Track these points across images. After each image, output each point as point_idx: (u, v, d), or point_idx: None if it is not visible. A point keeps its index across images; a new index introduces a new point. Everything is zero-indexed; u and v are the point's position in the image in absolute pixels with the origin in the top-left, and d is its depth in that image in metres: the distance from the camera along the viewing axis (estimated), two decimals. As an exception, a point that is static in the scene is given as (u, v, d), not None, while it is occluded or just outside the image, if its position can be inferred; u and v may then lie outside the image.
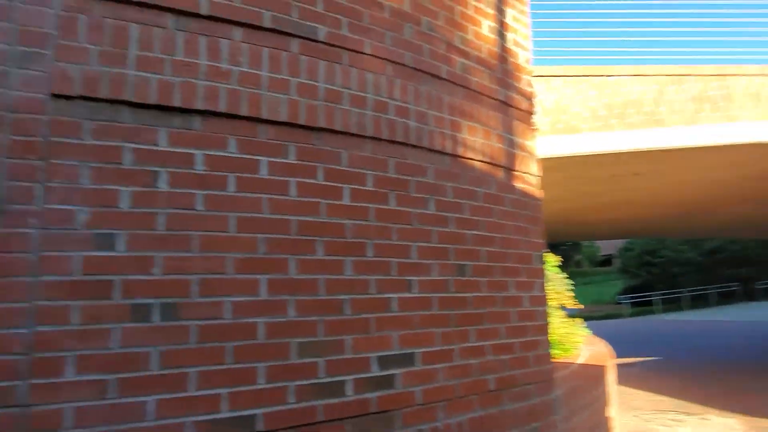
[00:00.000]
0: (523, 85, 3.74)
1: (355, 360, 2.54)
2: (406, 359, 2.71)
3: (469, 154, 3.24)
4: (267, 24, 2.57)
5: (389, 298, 2.72)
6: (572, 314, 6.92)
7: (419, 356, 2.76)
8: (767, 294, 34.73)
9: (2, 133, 1.98)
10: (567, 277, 6.85)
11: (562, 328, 5.93)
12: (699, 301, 34.36)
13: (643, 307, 34.10)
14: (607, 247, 50.30)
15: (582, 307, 7.30)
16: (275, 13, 2.59)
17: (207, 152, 2.35)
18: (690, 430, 7.50)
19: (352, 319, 2.57)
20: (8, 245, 1.95)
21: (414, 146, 2.98)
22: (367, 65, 2.86)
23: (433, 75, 3.15)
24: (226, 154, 2.39)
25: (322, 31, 2.73)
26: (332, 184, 2.65)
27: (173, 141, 2.29)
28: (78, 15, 2.17)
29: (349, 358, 2.53)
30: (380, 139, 2.85)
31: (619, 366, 8.57)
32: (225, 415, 2.20)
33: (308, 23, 2.69)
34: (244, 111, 2.45)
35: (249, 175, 2.43)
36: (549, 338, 3.60)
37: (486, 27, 3.54)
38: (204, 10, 2.42)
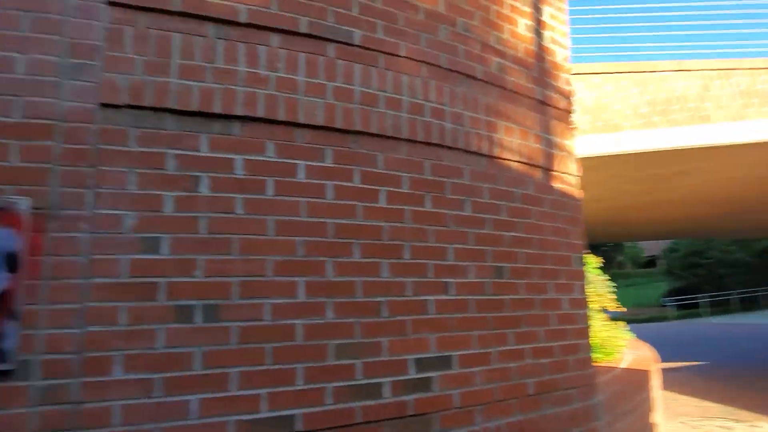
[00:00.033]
0: (561, 84, 3.67)
1: (392, 362, 2.55)
2: (443, 362, 2.70)
3: (506, 155, 3.20)
4: (303, 29, 2.60)
5: (426, 300, 2.71)
6: (614, 317, 6.75)
7: (456, 359, 2.74)
8: (822, 296, 33.03)
9: (55, 142, 2.09)
10: (608, 279, 6.68)
11: (604, 331, 5.78)
12: (748, 304, 32.92)
13: (689, 309, 32.90)
14: (650, 248, 48.78)
15: (624, 309, 7.10)
16: (312, 19, 2.63)
17: (246, 157, 2.40)
18: (740, 439, 7.19)
19: (389, 321, 2.58)
20: (61, 249, 2.05)
21: (450, 148, 2.97)
22: (402, 67, 2.87)
23: (468, 76, 3.12)
24: (264, 159, 2.44)
25: (358, 35, 2.75)
26: (368, 186, 2.66)
27: (214, 146, 2.35)
28: (124, 27, 2.25)
29: (386, 360, 2.53)
30: (416, 141, 2.85)
31: (664, 370, 8.30)
32: (265, 415, 2.24)
33: (344, 27, 2.71)
34: (281, 116, 2.49)
35: (287, 179, 2.47)
36: (590, 342, 3.52)
37: (522, 25, 3.49)
38: (242, 18, 2.47)
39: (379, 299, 2.57)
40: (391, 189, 2.72)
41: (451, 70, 3.05)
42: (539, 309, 3.18)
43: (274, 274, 2.36)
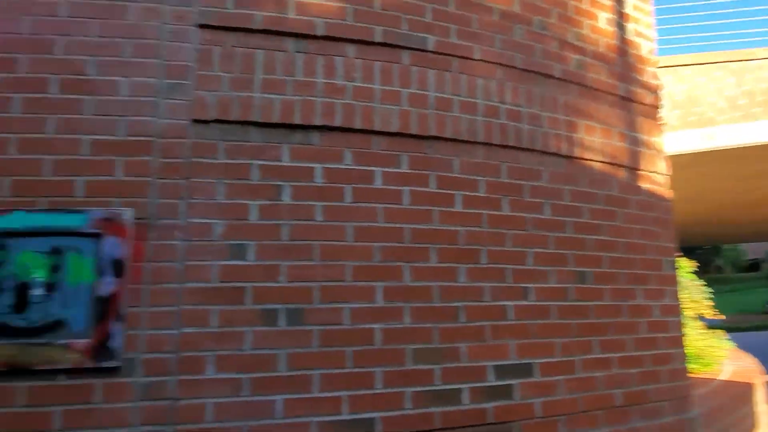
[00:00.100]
0: (646, 78, 3.48)
1: (471, 368, 2.52)
2: (524, 369, 2.63)
3: (588, 155, 3.08)
4: (378, 39, 2.65)
5: (505, 305, 2.66)
6: (713, 325, 6.26)
7: (538, 367, 2.67)
8: None
9: (153, 157, 2.28)
10: (705, 285, 6.21)
11: (701, 340, 5.38)
12: None
13: (799, 318, 29.84)
14: (753, 250, 44.78)
15: (724, 317, 6.57)
16: (386, 28, 2.67)
17: (325, 165, 2.48)
18: None
19: (467, 326, 2.56)
20: (159, 255, 2.23)
21: (527, 149, 2.90)
22: (476, 71, 2.84)
23: (545, 75, 3.04)
24: (342, 167, 2.50)
25: (432, 41, 2.76)
26: (444, 191, 2.66)
27: (295, 156, 2.45)
28: (212, 47, 2.41)
29: (465, 366, 2.51)
30: (492, 144, 2.81)
31: (772, 385, 7.58)
32: (346, 417, 2.29)
33: (418, 34, 2.74)
34: (358, 124, 2.55)
35: (364, 186, 2.52)
36: (685, 351, 3.30)
37: (603, 20, 3.34)
38: (320, 31, 2.56)
39: (456, 304, 2.56)
40: (468, 193, 2.70)
41: (527, 70, 2.98)
42: (627, 316, 3.02)
43: (353, 279, 2.42)
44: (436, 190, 2.64)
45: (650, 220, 3.26)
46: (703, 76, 7.03)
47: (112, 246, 2.17)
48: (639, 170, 3.29)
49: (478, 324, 2.58)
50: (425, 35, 2.75)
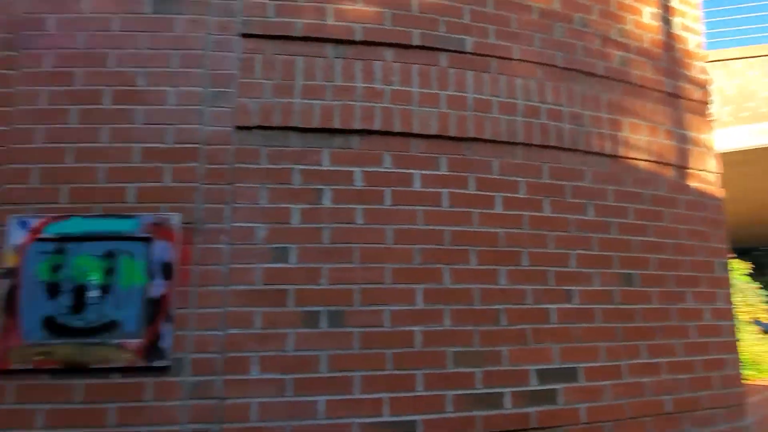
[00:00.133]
0: (694, 73, 3.36)
1: (513, 372, 2.49)
2: (568, 374, 2.58)
3: (632, 154, 3.00)
4: (416, 42, 2.66)
5: (547, 308, 2.62)
6: (769, 330, 5.97)
7: (582, 371, 2.61)
8: None
9: (199, 163, 2.36)
10: (761, 287, 5.93)
11: (757, 345, 5.14)
12: None
13: None
14: (812, 250, 42.30)
15: (781, 321, 6.25)
16: (424, 31, 2.68)
17: (365, 169, 2.50)
18: None
19: (509, 329, 2.53)
20: (206, 258, 2.30)
21: (569, 149, 2.85)
22: (515, 71, 2.81)
23: (587, 73, 2.98)
24: (381, 170, 2.52)
25: (470, 42, 2.75)
26: (484, 193, 2.64)
27: (335, 160, 2.48)
28: (255, 55, 2.48)
29: (507, 369, 2.48)
30: (532, 145, 2.77)
31: (836, 394, 7.15)
32: (387, 419, 2.30)
33: (456, 36, 2.73)
34: (397, 127, 2.57)
35: (403, 189, 2.53)
36: (739, 357, 3.15)
37: (647, 14, 3.25)
38: (358, 36, 2.59)
39: (497, 307, 2.53)
40: (508, 194, 2.67)
41: (568, 68, 2.93)
42: (676, 320, 2.92)
43: (393, 282, 2.43)
44: (476, 192, 2.62)
45: (700, 221, 3.14)
46: (757, 69, 6.71)
47: (162, 250, 2.26)
48: (687, 169, 3.18)
49: (519, 327, 2.55)
50: (463, 37, 2.74)
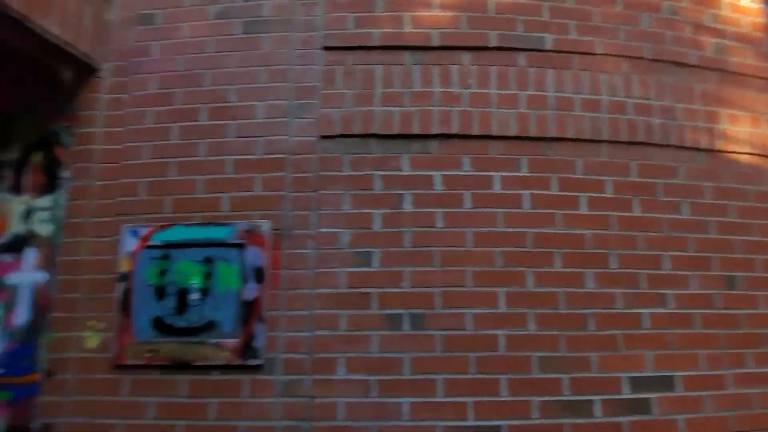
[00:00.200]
0: (804, 57, 3.06)
1: (603, 379, 2.39)
2: (664, 382, 2.44)
3: (732, 147, 2.79)
4: (493, 43, 2.65)
5: (639, 313, 2.49)
6: None
7: (680, 380, 2.46)
8: None
9: (287, 172, 2.50)
10: None
11: None
12: None
13: None
14: None
15: None
16: (501, 32, 2.66)
17: (444, 173, 2.52)
18: None
19: (597, 335, 2.44)
20: (294, 263, 2.42)
21: (659, 145, 2.70)
22: (599, 66, 2.71)
23: (678, 63, 2.81)
24: (461, 173, 2.53)
25: (549, 40, 2.69)
26: (567, 193, 2.57)
27: (414, 165, 2.52)
28: (336, 67, 2.59)
29: (596, 376, 2.39)
30: (619, 142, 2.66)
31: None
32: (471, 423, 2.30)
33: (534, 35, 2.68)
34: (475, 130, 2.56)
35: (483, 191, 2.52)
36: None
37: (746, -3, 3.01)
38: (435, 42, 2.62)
39: (584, 311, 2.45)
40: (593, 194, 2.58)
41: (656, 60, 2.78)
42: (788, 326, 2.67)
43: (474, 285, 2.42)
44: (559, 193, 2.56)
45: (814, 218, 2.85)
46: None
47: (254, 255, 2.41)
48: (798, 161, 2.90)
49: (609, 332, 2.45)
50: (542, 35, 2.69)
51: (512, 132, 2.58)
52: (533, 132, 2.59)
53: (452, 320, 2.39)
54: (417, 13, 2.66)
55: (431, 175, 2.52)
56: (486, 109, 2.58)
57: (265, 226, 2.44)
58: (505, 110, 2.59)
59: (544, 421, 2.32)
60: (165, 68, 2.67)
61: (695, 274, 2.59)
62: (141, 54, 2.72)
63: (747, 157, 2.81)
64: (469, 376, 2.34)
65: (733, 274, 2.65)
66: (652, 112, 2.71)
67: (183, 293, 2.41)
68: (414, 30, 2.64)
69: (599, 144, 2.64)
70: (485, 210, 2.51)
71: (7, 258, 2.61)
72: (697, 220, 2.66)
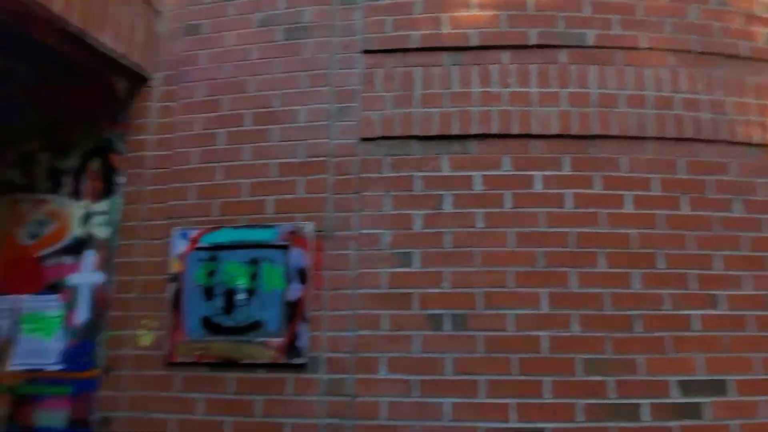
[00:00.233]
0: None
1: (651, 383, 2.33)
2: (716, 387, 2.36)
3: (789, 142, 2.66)
4: (533, 41, 2.63)
5: (688, 315, 2.42)
6: None
7: (733, 384, 2.37)
8: None
9: (328, 175, 2.55)
10: None
11: None
12: None
13: None
14: None
15: None
16: (541, 29, 2.63)
17: (484, 173, 2.52)
18: None
19: (644, 337, 2.38)
20: (336, 264, 2.47)
21: (709, 141, 2.61)
22: (643, 60, 2.65)
23: (728, 56, 2.71)
24: (501, 173, 2.52)
25: (591, 35, 2.65)
26: (611, 192, 2.52)
27: (454, 166, 2.53)
28: (375, 70, 2.63)
29: (643, 379, 2.33)
30: (665, 138, 2.58)
31: None
32: (514, 425, 2.28)
33: (575, 31, 2.64)
34: (515, 129, 2.55)
35: (524, 191, 2.50)
36: None
37: (803, -16, 2.87)
38: (474, 42, 2.62)
39: (630, 313, 2.40)
40: (639, 193, 2.52)
41: (705, 53, 2.69)
42: None
43: (516, 285, 2.41)
44: (603, 192, 2.51)
45: None
46: None
47: (297, 256, 2.47)
48: None
49: (657, 334, 2.38)
50: (584, 30, 2.65)
51: (553, 130, 2.55)
52: (575, 130, 2.55)
53: (494, 321, 2.38)
54: (455, 14, 2.67)
55: (471, 176, 2.52)
56: (526, 108, 2.56)
57: (308, 227, 2.49)
58: (546, 108, 2.56)
59: (589, 424, 2.29)
60: (211, 76, 2.78)
61: (748, 275, 2.50)
62: (189, 63, 2.84)
63: (804, 151, 2.68)
64: (511, 378, 2.33)
65: (791, 274, 2.53)
66: (701, 106, 2.63)
67: (230, 293, 2.50)
68: (452, 31, 2.65)
69: (645, 141, 2.58)
70: (526, 210, 2.49)
71: (68, 260, 2.77)
72: (750, 217, 2.56)
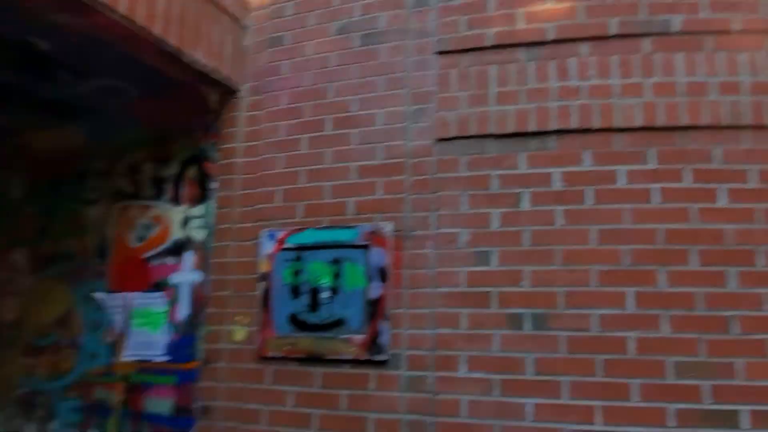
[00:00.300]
0: None
1: (750, 388, 2.18)
2: (827, 393, 2.17)
3: None
4: (613, 31, 2.54)
5: (795, 316, 2.24)
6: None
7: None
8: None
9: (406, 176, 2.62)
10: None
11: None
12: None
13: None
14: None
15: None
16: (622, 18, 2.54)
17: (563, 169, 2.47)
18: None
19: (743, 339, 2.23)
20: (414, 263, 2.53)
21: (814, 128, 2.40)
22: (737, 44, 2.48)
23: (836, 34, 2.47)
24: (581, 169, 2.46)
25: (677, 21, 2.51)
26: (703, 185, 2.38)
27: (531, 163, 2.50)
28: (450, 70, 2.66)
29: (742, 384, 2.19)
30: (763, 127, 2.40)
31: None
32: (599, 428, 2.22)
33: (659, 17, 2.52)
34: (596, 123, 2.48)
35: (606, 187, 2.43)
36: None
37: None
38: (550, 36, 2.58)
39: (726, 313, 2.26)
40: (734, 186, 2.36)
41: (811, 31, 2.47)
42: None
43: (599, 284, 2.34)
44: (693, 185, 2.38)
45: None
46: None
47: (378, 256, 2.55)
48: None
49: (757, 337, 2.23)
50: (668, 16, 2.52)
51: (637, 123, 2.45)
52: (661, 122, 2.44)
53: (577, 321, 2.33)
54: (530, 9, 2.63)
55: (550, 173, 2.48)
56: (607, 101, 2.48)
57: (388, 227, 2.57)
58: (629, 100, 2.47)
59: (681, 430, 2.18)
60: (293, 84, 2.94)
61: None
62: (273, 73, 3.01)
63: None
64: (595, 379, 2.27)
65: None
66: (804, 91, 2.42)
67: (315, 292, 2.63)
68: (528, 26, 2.62)
69: (740, 130, 2.41)
70: (609, 206, 2.41)
71: (170, 260, 3.04)
72: None
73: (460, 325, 2.42)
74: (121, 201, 3.27)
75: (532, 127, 2.52)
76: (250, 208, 2.89)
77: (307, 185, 2.79)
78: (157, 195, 3.16)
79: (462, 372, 2.38)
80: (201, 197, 3.04)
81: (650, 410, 2.21)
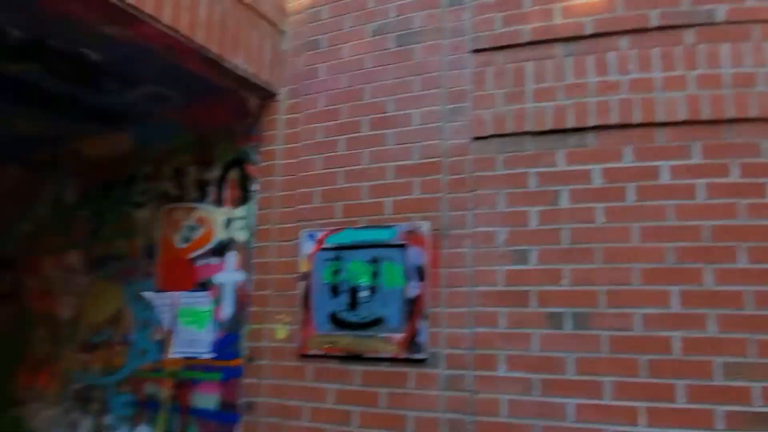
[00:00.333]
0: None
1: (806, 390, 2.10)
2: None
3: None
4: (654, 23, 2.47)
5: None
6: None
7: None
8: None
9: (442, 175, 2.63)
10: None
11: None
12: None
13: None
14: None
15: None
16: (663, 9, 2.47)
17: (603, 166, 2.42)
18: None
19: (796, 339, 2.15)
20: (452, 262, 2.53)
21: None
22: (788, 33, 2.37)
23: None
24: (621, 165, 2.41)
25: (722, 11, 2.43)
26: (751, 180, 2.29)
27: (570, 160, 2.47)
28: (485, 68, 2.65)
29: (797, 386, 2.11)
30: (817, 118, 2.30)
31: None
32: (643, 429, 2.18)
33: (702, 8, 2.44)
34: (636, 118, 2.42)
35: (648, 183, 2.37)
36: None
37: None
38: (588, 30, 2.53)
39: (778, 313, 2.17)
40: (785, 180, 2.27)
41: None
42: None
43: (642, 283, 2.29)
44: (740, 180, 2.30)
45: None
46: None
47: (415, 255, 2.57)
48: None
49: (812, 337, 2.14)
50: (712, 6, 2.43)
51: (681, 117, 2.38)
52: (706, 115, 2.36)
53: (619, 320, 2.29)
54: (567, 3, 2.59)
55: (589, 169, 2.44)
56: (649, 95, 2.42)
57: (425, 226, 2.59)
58: (672, 94, 2.40)
59: (731, 432, 2.12)
60: (331, 87, 2.99)
61: None
62: (310, 76, 3.07)
63: None
64: (639, 380, 2.22)
65: None
66: None
67: (354, 291, 2.67)
68: (565, 21, 2.58)
69: (791, 122, 2.31)
70: (652, 203, 2.35)
71: (214, 260, 3.14)
72: None
73: (499, 324, 2.41)
74: (167, 203, 3.41)
75: (570, 123, 2.48)
76: (290, 209, 2.96)
77: (345, 186, 2.84)
78: (201, 197, 3.27)
79: (501, 371, 2.37)
80: (243, 199, 3.13)
81: (697, 412, 2.15)
